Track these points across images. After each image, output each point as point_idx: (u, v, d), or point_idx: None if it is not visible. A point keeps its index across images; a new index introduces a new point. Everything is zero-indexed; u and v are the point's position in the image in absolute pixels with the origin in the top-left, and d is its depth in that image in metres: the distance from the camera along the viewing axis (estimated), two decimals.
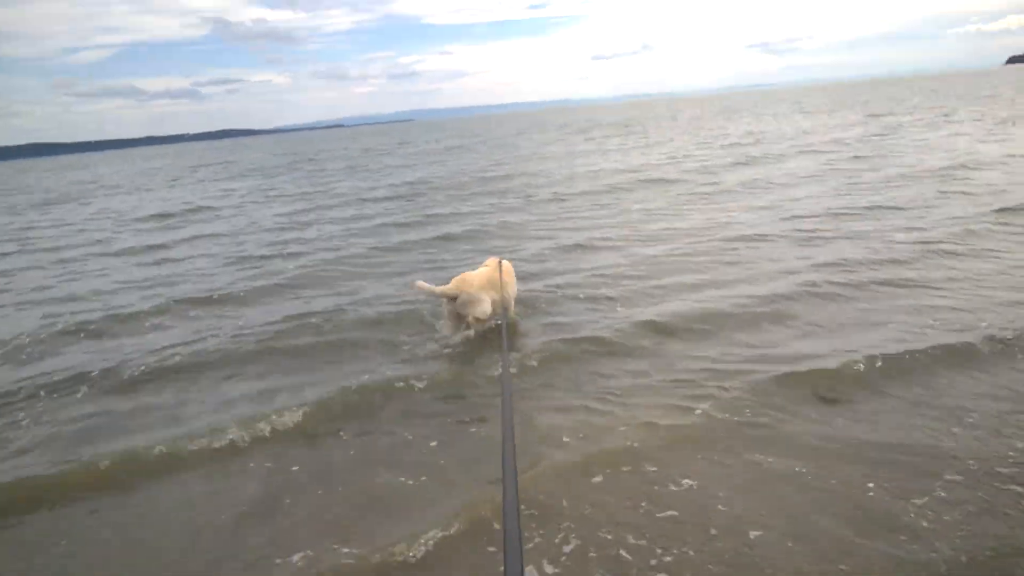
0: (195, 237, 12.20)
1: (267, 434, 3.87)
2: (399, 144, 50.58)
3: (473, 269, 5.43)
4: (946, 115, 25.84)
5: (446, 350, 5.07)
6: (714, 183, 13.49)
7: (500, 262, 5.45)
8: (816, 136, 22.05)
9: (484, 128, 74.65)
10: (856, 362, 4.12)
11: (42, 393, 4.86)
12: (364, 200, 15.68)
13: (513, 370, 4.47)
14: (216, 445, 3.77)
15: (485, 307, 5.21)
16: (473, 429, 3.85)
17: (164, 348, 5.63)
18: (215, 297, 7.22)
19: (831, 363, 4.17)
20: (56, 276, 9.73)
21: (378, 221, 12.02)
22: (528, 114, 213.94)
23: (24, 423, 4.40)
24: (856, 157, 15.13)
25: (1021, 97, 33.69)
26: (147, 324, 6.45)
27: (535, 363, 4.62)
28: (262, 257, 9.55)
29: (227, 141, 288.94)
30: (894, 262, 6.42)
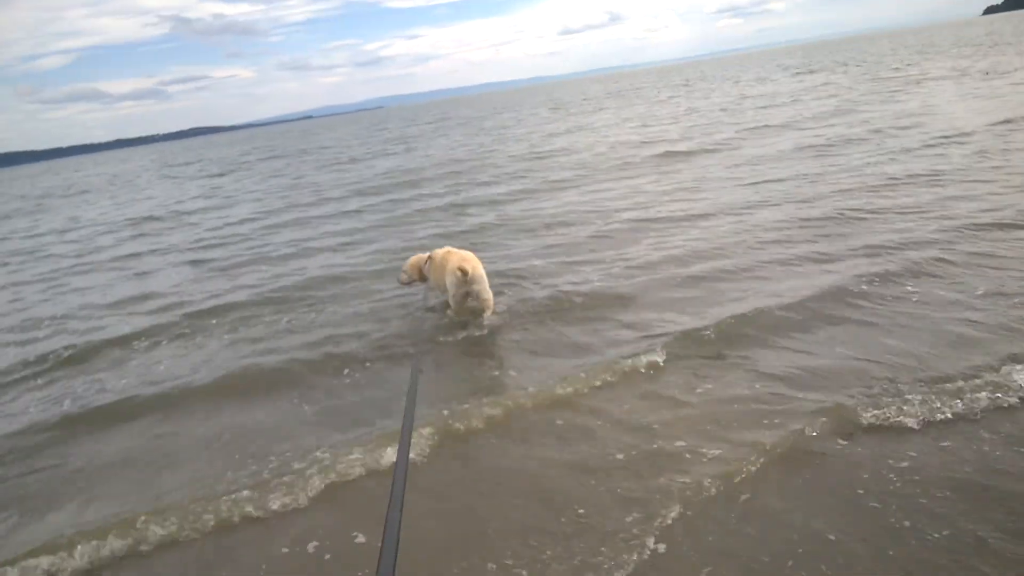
0: (174, 244, 11.65)
1: (297, 498, 3.21)
2: (372, 132, 49.57)
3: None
4: (946, 68, 25.09)
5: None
6: (734, 151, 12.82)
7: (430, 257, 5.47)
8: (814, 97, 21.68)
9: (460, 110, 73.08)
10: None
11: (35, 437, 4.46)
12: (346, 195, 15.14)
13: (570, 388, 3.95)
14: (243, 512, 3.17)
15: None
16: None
17: (158, 376, 5.23)
18: (205, 312, 6.72)
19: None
20: (36, 292, 9.28)
21: (364, 219, 11.43)
22: (501, 94, 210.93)
23: (34, 476, 3.98)
24: (876, 117, 14.41)
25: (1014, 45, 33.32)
26: (137, 348, 6.00)
27: (569, 390, 3.97)
28: (246, 263, 9.08)
29: (197, 139, 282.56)
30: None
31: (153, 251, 11.22)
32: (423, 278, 5.62)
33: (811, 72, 37.66)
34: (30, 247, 14.29)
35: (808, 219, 7.18)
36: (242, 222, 13.10)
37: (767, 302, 4.90)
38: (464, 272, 4.89)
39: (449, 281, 5.03)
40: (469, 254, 5.19)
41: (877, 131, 12.62)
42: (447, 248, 5.46)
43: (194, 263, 9.62)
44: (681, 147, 14.51)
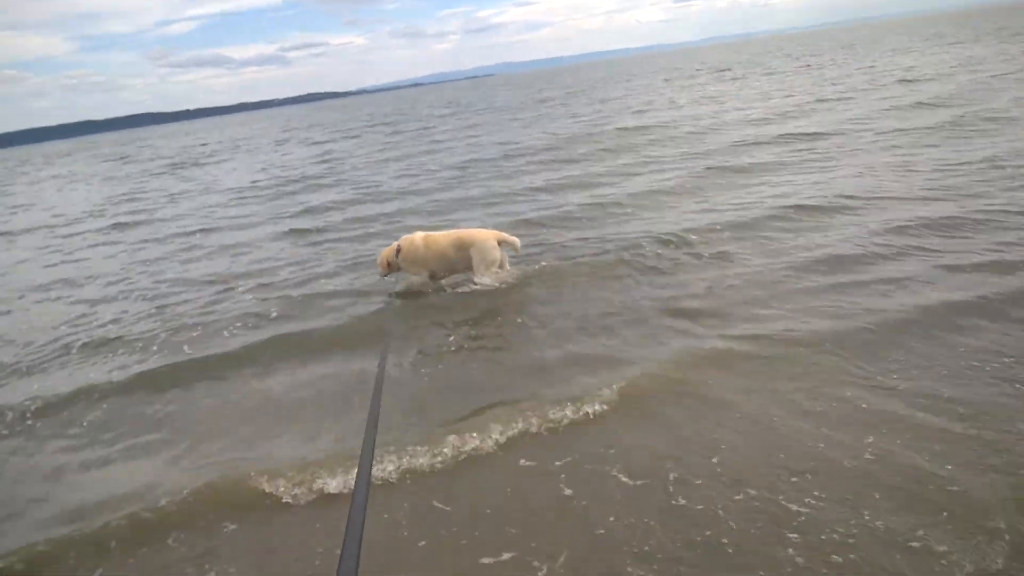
0: (325, 212, 10.20)
1: None
2: (489, 97, 47.61)
3: None
4: None
5: None
6: None
7: (399, 247, 5.62)
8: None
9: (579, 79, 68.15)
10: None
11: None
12: (506, 170, 13.19)
13: None
14: None
15: None
16: None
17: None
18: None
19: None
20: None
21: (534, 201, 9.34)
22: (616, 61, 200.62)
23: None
24: None
25: None
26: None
27: None
28: None
29: (314, 104, 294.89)
30: None
31: (310, 224, 9.75)
32: (395, 268, 5.68)
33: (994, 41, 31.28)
34: (179, 212, 13.47)
35: None
36: (394, 194, 11.45)
37: None
38: (499, 242, 5.44)
39: (488, 252, 5.39)
40: (455, 231, 5.66)
41: None
42: (422, 233, 5.65)
43: (349, 242, 7.96)
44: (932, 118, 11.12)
